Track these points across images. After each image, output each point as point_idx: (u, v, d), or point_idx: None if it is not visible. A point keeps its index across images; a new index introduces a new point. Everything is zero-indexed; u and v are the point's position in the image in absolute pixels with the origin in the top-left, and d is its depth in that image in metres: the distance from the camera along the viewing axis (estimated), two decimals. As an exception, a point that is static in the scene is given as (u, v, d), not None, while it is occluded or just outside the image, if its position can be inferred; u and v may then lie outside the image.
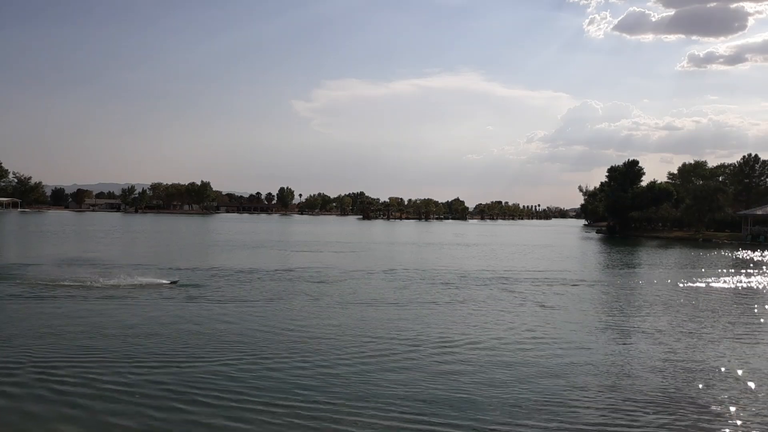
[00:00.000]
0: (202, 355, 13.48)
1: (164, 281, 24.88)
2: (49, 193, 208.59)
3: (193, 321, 17.37)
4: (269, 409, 10.05)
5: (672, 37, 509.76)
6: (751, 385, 12.17)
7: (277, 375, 12.05)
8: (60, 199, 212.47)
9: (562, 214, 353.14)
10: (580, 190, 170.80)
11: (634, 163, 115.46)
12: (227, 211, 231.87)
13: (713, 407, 10.75)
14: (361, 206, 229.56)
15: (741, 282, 31.45)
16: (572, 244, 74.00)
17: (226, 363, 12.81)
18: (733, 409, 10.66)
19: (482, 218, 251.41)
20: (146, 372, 12.00)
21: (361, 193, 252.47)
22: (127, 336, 15.09)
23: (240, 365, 12.70)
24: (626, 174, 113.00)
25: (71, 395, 10.59)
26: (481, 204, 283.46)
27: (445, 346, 14.77)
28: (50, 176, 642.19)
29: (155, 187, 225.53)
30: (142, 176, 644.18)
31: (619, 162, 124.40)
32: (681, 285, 29.37)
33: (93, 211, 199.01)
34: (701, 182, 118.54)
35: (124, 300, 20.57)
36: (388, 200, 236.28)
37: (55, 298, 20.42)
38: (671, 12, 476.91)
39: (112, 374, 11.79)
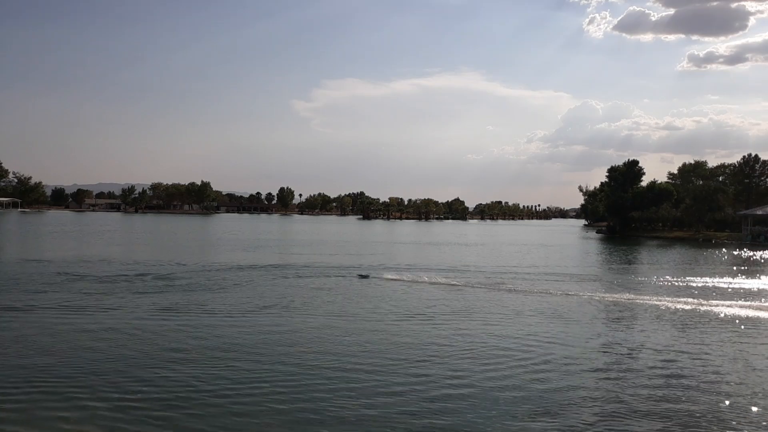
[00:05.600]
0: (203, 362, 13.58)
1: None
2: (49, 193, 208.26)
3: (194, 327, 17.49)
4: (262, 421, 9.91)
5: (672, 37, 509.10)
6: (753, 386, 12.33)
7: (269, 389, 11.87)
8: (60, 199, 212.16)
9: (562, 214, 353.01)
10: (580, 190, 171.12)
11: (634, 163, 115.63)
12: (227, 211, 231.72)
13: (714, 409, 10.90)
14: (361, 206, 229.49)
15: (742, 282, 31.56)
16: (573, 244, 74.13)
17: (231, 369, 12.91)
18: (734, 410, 10.81)
19: (482, 218, 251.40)
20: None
21: (361, 193, 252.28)
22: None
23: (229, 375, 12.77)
24: (626, 174, 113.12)
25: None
26: (481, 204, 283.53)
27: (448, 359, 14.56)
28: (50, 176, 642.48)
29: (155, 187, 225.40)
30: (142, 176, 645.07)
31: (619, 162, 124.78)
32: (681, 285, 29.51)
33: (93, 211, 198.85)
34: (701, 182, 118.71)
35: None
36: (388, 200, 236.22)
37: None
38: (671, 11, 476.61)
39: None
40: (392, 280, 28.63)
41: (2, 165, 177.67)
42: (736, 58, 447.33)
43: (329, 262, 37.13)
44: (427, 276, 29.99)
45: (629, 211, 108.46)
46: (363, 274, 30.21)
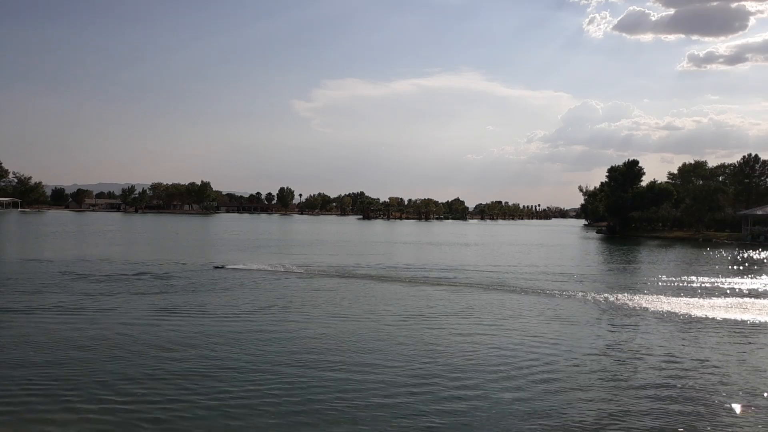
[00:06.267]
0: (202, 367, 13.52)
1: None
2: (49, 193, 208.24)
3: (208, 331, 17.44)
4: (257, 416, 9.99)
5: (672, 37, 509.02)
6: (755, 388, 12.29)
7: (265, 384, 12.00)
8: (60, 199, 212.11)
9: (562, 214, 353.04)
10: (580, 190, 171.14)
11: (634, 163, 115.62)
12: (227, 211, 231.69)
13: (718, 411, 10.85)
14: (361, 206, 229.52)
15: (742, 282, 31.49)
16: (573, 244, 74.09)
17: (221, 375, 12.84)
18: (733, 411, 10.78)
19: (482, 218, 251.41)
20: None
21: (361, 193, 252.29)
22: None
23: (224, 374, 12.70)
24: (626, 174, 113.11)
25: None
26: (481, 204, 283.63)
27: (452, 362, 14.43)
28: (50, 176, 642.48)
29: (155, 187, 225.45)
30: (142, 176, 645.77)
31: (619, 162, 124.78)
32: (682, 286, 29.46)
33: (93, 211, 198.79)
34: (701, 182, 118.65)
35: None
36: (388, 200, 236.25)
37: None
38: (671, 11, 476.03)
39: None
40: (246, 269, 31.15)
41: (2, 165, 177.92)
42: (736, 58, 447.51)
43: (329, 262, 37.09)
44: (283, 266, 32.84)
45: (629, 211, 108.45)
46: (218, 265, 32.60)
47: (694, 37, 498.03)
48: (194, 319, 17.86)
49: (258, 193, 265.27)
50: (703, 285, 29.60)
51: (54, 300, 20.47)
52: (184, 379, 11.77)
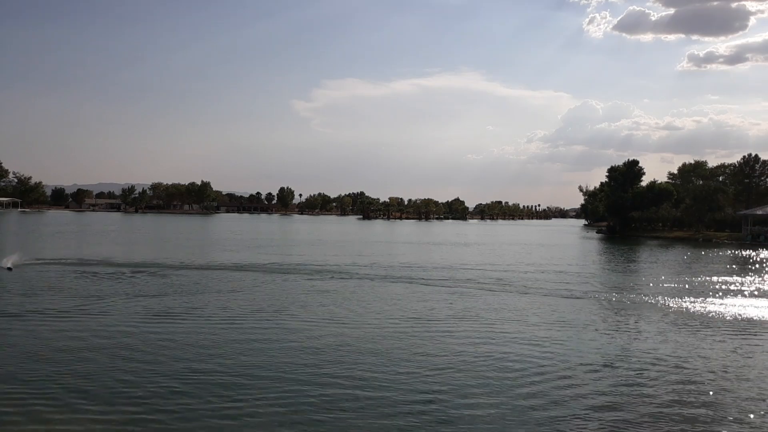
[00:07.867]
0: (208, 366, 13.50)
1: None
2: (49, 193, 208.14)
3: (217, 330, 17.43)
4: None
5: (672, 37, 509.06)
6: (758, 387, 12.30)
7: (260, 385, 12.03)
8: (60, 199, 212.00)
9: (562, 214, 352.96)
10: (580, 190, 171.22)
11: (634, 163, 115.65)
12: (227, 211, 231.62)
13: (716, 410, 10.87)
14: (361, 206, 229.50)
15: (742, 282, 31.51)
16: (573, 244, 74.08)
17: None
18: (734, 411, 10.79)
19: (482, 218, 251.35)
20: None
21: (361, 193, 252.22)
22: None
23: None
24: (626, 174, 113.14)
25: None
26: (481, 204, 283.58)
27: (464, 365, 14.41)
28: (50, 176, 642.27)
29: (155, 187, 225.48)
30: (142, 176, 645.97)
31: (619, 162, 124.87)
32: (683, 286, 29.47)
33: (93, 211, 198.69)
34: (701, 182, 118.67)
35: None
36: (388, 200, 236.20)
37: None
38: (671, 11, 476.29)
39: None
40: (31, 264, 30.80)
41: (2, 165, 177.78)
42: (736, 58, 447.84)
43: (330, 262, 37.09)
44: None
45: (629, 211, 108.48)
46: (8, 266, 29.29)
47: (694, 37, 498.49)
48: (188, 323, 17.88)
49: (258, 193, 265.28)
50: (703, 285, 29.61)
51: (55, 301, 20.50)
52: (176, 383, 11.72)
